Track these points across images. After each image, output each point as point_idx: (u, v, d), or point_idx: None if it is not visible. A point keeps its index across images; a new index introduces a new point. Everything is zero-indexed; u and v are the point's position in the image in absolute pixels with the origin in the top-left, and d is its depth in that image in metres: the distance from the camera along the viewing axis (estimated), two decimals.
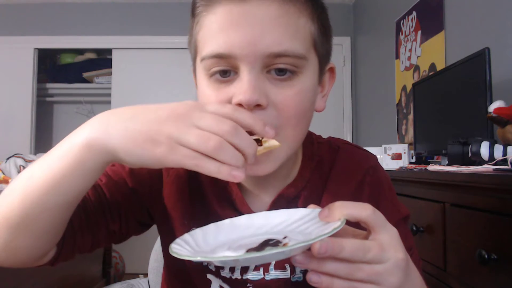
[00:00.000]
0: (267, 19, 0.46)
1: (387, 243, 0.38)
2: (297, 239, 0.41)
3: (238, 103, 0.47)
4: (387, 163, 1.81)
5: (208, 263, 0.59)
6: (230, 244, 0.43)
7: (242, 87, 0.47)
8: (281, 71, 0.48)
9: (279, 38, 0.47)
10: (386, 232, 0.39)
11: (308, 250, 0.37)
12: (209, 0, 0.49)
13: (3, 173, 1.96)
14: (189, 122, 0.39)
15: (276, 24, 0.47)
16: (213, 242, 0.44)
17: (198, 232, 0.45)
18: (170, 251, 0.38)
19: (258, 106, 0.47)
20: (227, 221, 0.48)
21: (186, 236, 0.44)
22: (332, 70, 0.59)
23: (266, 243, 0.40)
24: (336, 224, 0.37)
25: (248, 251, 0.39)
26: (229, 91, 0.48)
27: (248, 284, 0.57)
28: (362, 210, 0.39)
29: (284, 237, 0.42)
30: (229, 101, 0.48)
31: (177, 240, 0.42)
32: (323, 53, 0.54)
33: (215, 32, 0.48)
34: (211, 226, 0.47)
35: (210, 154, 0.38)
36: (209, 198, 0.60)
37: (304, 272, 0.57)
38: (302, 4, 0.49)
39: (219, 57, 0.48)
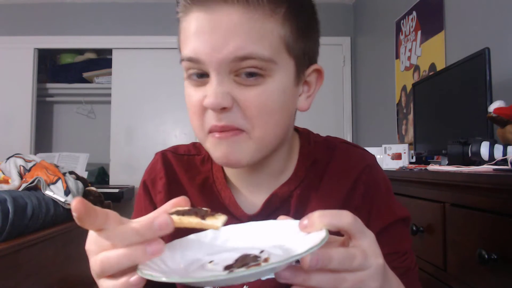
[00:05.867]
0: (230, 26, 0.48)
1: (368, 249, 0.39)
2: (275, 253, 0.39)
3: (206, 107, 0.50)
4: (387, 163, 1.81)
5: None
6: (200, 261, 0.40)
7: (209, 91, 0.50)
8: (249, 75, 0.50)
9: (242, 43, 0.48)
10: (365, 237, 0.39)
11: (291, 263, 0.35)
12: (185, 6, 0.52)
13: (3, 173, 1.95)
14: (89, 256, 0.39)
15: (239, 31, 0.48)
16: (180, 260, 0.40)
17: (165, 251, 0.40)
18: (139, 273, 0.35)
19: (223, 108, 0.50)
20: (192, 236, 0.44)
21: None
22: (319, 71, 0.59)
23: (244, 259, 0.38)
24: (322, 234, 0.36)
25: (227, 268, 0.36)
26: (204, 92, 0.51)
27: (245, 286, 0.58)
28: (343, 219, 0.38)
29: (261, 251, 0.39)
30: (203, 101, 0.51)
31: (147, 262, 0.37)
32: (300, 54, 0.54)
33: (188, 37, 0.51)
34: (176, 243, 0.43)
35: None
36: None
37: None
38: (269, 9, 0.50)
39: (190, 60, 0.51)
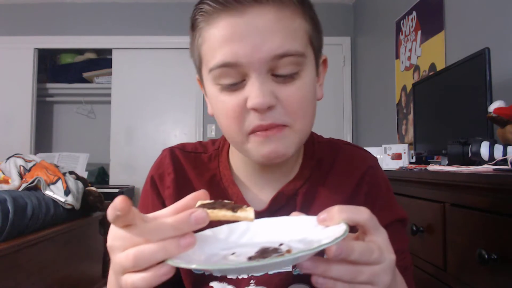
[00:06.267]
0: (266, 26, 0.50)
1: (383, 244, 0.40)
2: (294, 246, 0.40)
3: (252, 108, 0.51)
4: (387, 163, 1.81)
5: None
6: (219, 254, 0.41)
7: (253, 92, 0.50)
8: (285, 73, 0.52)
9: (280, 41, 0.50)
10: (379, 233, 0.41)
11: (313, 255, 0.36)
12: (209, 14, 0.52)
13: (3, 173, 1.95)
14: (113, 252, 0.39)
15: (275, 29, 0.50)
16: (201, 253, 0.41)
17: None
18: (169, 262, 0.36)
19: (268, 107, 0.51)
20: (207, 232, 0.45)
21: None
22: (324, 61, 0.62)
23: (265, 251, 0.39)
24: (343, 227, 0.37)
25: (251, 259, 0.37)
26: (243, 95, 0.52)
27: (251, 281, 0.58)
28: (361, 214, 0.40)
29: (280, 244, 0.40)
30: (244, 104, 0.52)
31: None
32: (318, 47, 0.58)
33: (220, 44, 0.51)
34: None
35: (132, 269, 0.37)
36: None
37: None
38: (295, 6, 0.53)
39: (226, 66, 0.51)
